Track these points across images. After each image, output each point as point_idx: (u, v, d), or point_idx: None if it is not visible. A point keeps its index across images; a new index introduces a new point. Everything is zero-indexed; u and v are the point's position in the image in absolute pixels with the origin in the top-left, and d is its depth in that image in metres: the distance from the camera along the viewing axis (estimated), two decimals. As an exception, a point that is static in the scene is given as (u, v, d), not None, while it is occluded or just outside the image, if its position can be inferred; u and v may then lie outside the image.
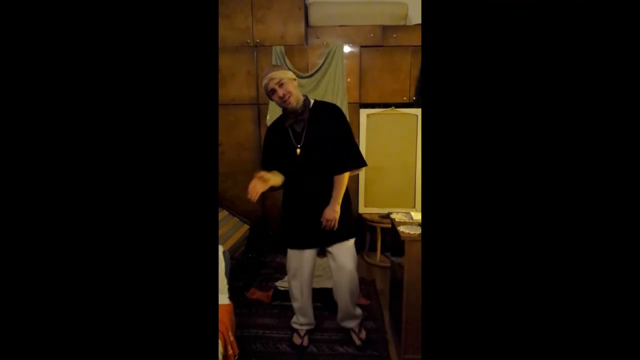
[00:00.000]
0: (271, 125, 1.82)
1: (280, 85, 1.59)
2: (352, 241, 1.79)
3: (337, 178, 1.68)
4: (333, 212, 1.66)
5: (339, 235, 1.73)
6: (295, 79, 1.66)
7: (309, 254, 1.79)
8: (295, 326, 1.96)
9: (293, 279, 1.85)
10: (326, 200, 1.68)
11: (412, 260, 1.67)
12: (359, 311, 1.92)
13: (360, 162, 1.73)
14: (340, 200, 1.68)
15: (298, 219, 1.75)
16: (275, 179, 1.65)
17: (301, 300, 1.88)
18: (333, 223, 1.66)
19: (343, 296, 1.82)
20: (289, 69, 2.76)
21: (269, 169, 1.70)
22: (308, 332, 1.96)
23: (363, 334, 1.93)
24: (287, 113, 1.69)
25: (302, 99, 1.67)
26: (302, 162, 1.68)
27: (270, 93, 1.63)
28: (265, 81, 1.61)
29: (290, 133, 1.70)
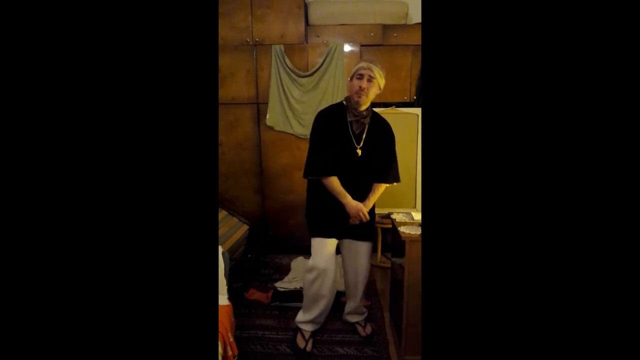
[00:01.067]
0: (323, 113, 1.79)
1: (370, 79, 1.63)
2: (370, 244, 1.89)
3: (377, 185, 1.78)
4: (364, 210, 1.73)
5: (363, 234, 1.83)
6: (380, 88, 1.70)
7: (331, 242, 1.82)
8: (301, 325, 1.88)
9: (311, 269, 1.80)
10: (364, 198, 1.77)
11: (412, 261, 1.67)
12: (362, 309, 2.02)
13: (398, 178, 1.84)
14: (372, 204, 1.80)
15: (334, 211, 1.76)
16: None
17: (316, 297, 1.83)
18: (363, 218, 1.74)
19: (353, 289, 1.92)
20: (289, 68, 2.78)
21: (334, 171, 1.72)
22: (313, 334, 1.90)
23: (369, 328, 1.99)
24: (349, 108, 1.72)
25: (369, 104, 1.73)
26: (359, 163, 1.74)
27: (357, 76, 1.64)
28: (363, 64, 1.64)
29: (351, 132, 1.73)
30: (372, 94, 1.66)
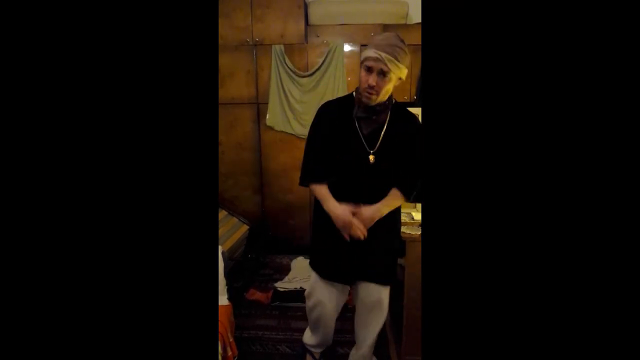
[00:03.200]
0: (326, 106, 1.39)
1: (384, 73, 1.22)
2: (384, 289, 1.42)
3: (395, 192, 1.32)
4: (371, 215, 1.24)
5: (379, 274, 1.39)
6: (402, 78, 1.27)
7: (334, 288, 1.44)
8: (310, 348, 1.64)
9: (319, 309, 1.49)
10: (379, 226, 1.31)
11: (413, 261, 1.67)
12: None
13: (420, 197, 1.35)
14: (385, 212, 1.31)
15: (340, 242, 1.32)
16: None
17: (324, 330, 1.55)
18: (362, 227, 1.28)
19: (362, 340, 1.55)
20: (289, 68, 2.78)
21: (326, 177, 1.33)
22: (322, 354, 1.67)
23: None
24: (357, 102, 1.32)
25: (388, 97, 1.30)
26: (372, 171, 1.30)
27: (365, 68, 1.25)
28: (371, 53, 1.23)
29: (361, 133, 1.32)
30: (386, 91, 1.25)
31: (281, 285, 2.52)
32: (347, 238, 1.28)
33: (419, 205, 2.82)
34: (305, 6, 2.85)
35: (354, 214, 1.26)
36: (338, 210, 1.28)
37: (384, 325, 1.66)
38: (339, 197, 1.32)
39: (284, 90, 2.84)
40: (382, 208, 1.28)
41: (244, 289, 2.49)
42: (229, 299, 1.66)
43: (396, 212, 1.41)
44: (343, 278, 1.41)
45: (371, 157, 1.29)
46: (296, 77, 2.81)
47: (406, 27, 2.85)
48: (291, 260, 2.93)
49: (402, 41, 1.24)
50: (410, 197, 1.32)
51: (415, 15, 2.98)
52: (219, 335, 1.44)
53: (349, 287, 1.48)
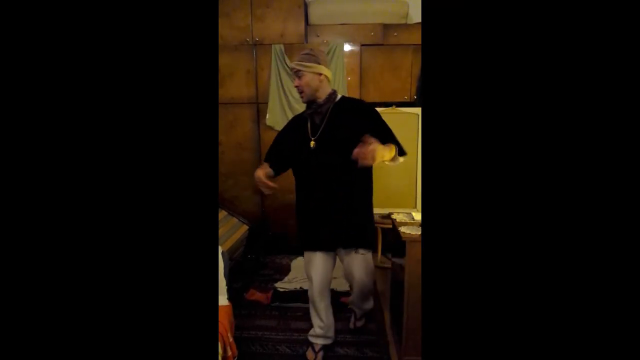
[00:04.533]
0: (295, 116, 1.82)
1: (300, 75, 1.56)
2: (366, 254, 1.66)
3: (387, 145, 1.50)
4: (375, 151, 1.36)
5: (351, 240, 1.62)
6: (323, 74, 1.57)
7: (320, 257, 1.68)
8: (312, 339, 1.82)
9: (310, 285, 1.74)
10: (339, 199, 1.58)
11: (413, 261, 1.66)
12: (368, 304, 1.90)
13: (401, 149, 1.59)
14: (386, 152, 1.46)
15: (310, 217, 1.65)
16: (265, 171, 1.65)
17: (317, 308, 1.75)
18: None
19: (354, 295, 1.83)
20: (289, 68, 2.78)
21: (271, 160, 1.72)
22: (323, 347, 1.83)
23: (359, 323, 2.01)
24: (308, 104, 1.63)
25: (325, 92, 1.59)
26: (315, 153, 1.58)
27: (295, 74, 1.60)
28: (292, 64, 1.61)
29: (309, 126, 1.65)
30: (310, 84, 1.56)
31: (281, 286, 2.52)
32: (266, 191, 1.65)
33: (419, 205, 2.83)
34: (305, 6, 2.85)
35: (366, 143, 1.39)
36: (257, 171, 1.64)
37: (384, 325, 1.83)
38: (297, 175, 1.69)
39: (283, 90, 2.84)
40: (380, 152, 1.41)
41: (244, 289, 2.49)
42: (229, 299, 1.66)
43: (367, 188, 1.66)
44: (324, 246, 1.66)
45: (312, 143, 1.59)
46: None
47: (406, 26, 2.85)
48: (291, 260, 2.93)
49: (312, 50, 1.58)
50: (387, 142, 1.51)
51: (415, 15, 2.98)
52: (219, 336, 1.44)
53: (333, 255, 1.71)
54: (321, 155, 1.58)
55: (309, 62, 1.55)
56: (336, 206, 1.58)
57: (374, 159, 1.36)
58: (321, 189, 1.60)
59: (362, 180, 1.61)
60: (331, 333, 1.81)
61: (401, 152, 1.60)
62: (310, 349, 1.84)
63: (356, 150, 1.37)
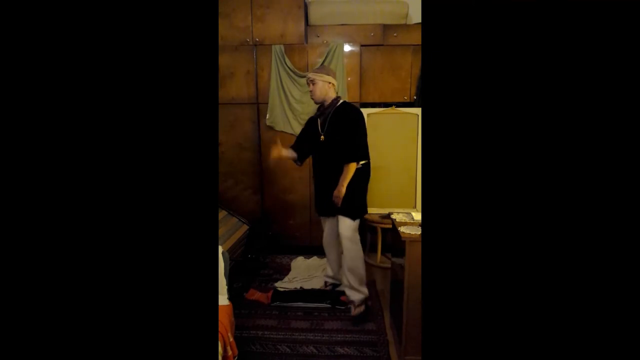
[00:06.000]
0: (310, 117, 2.35)
1: (312, 83, 2.13)
2: (351, 221, 2.13)
3: (345, 166, 2.06)
4: (337, 192, 2.07)
5: (340, 210, 2.13)
6: (330, 82, 2.12)
7: (325, 220, 2.32)
8: (326, 279, 2.51)
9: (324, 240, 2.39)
10: (334, 179, 2.09)
11: (412, 261, 1.66)
12: (363, 290, 2.17)
13: (363, 157, 2.11)
14: (344, 184, 2.05)
15: (318, 192, 2.26)
16: (289, 153, 2.25)
17: (328, 258, 2.45)
18: (338, 200, 2.07)
19: (344, 266, 2.20)
20: (289, 68, 2.79)
21: (295, 148, 2.28)
22: (332, 285, 2.46)
23: (357, 311, 2.13)
24: (318, 106, 2.21)
25: (331, 97, 2.14)
26: (323, 146, 2.16)
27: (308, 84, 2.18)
28: (307, 75, 2.17)
29: (319, 123, 2.20)
30: (319, 91, 2.13)
31: (281, 285, 2.52)
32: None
33: (419, 205, 2.83)
34: (305, 6, 2.85)
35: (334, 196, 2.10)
36: (273, 154, 2.23)
37: (384, 325, 1.85)
38: (314, 160, 2.27)
39: (283, 90, 2.84)
40: (343, 181, 2.07)
41: (244, 289, 2.49)
42: (229, 298, 1.66)
43: (358, 175, 2.14)
44: (326, 213, 2.27)
45: (322, 137, 2.17)
46: (296, 77, 2.81)
47: (406, 27, 2.85)
48: (291, 260, 2.93)
49: (324, 66, 2.35)
50: (349, 161, 2.06)
51: (415, 15, 2.98)
52: (219, 335, 1.44)
53: (335, 218, 2.22)
54: (326, 147, 2.15)
55: (321, 72, 2.13)
56: (332, 184, 2.09)
57: (340, 197, 2.06)
58: (325, 171, 2.18)
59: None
60: (338, 277, 2.44)
61: (351, 158, 2.08)
62: (324, 282, 2.51)
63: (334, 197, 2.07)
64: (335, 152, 2.09)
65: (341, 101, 2.16)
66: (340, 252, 2.33)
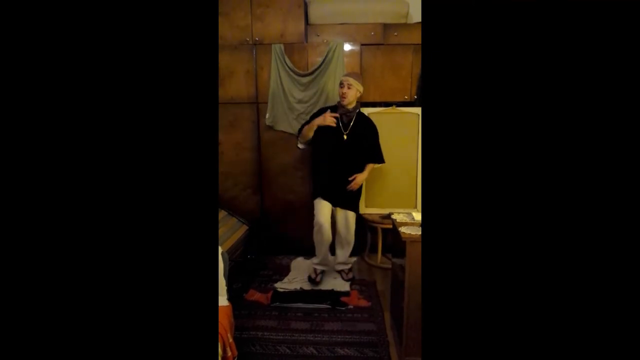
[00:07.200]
0: (324, 107, 2.54)
1: (349, 87, 2.32)
2: (354, 214, 2.55)
3: (368, 165, 2.47)
4: (355, 184, 2.42)
5: (350, 205, 2.52)
6: (360, 91, 2.37)
7: (327, 205, 2.49)
8: (314, 266, 2.60)
9: (316, 224, 2.50)
10: (350, 174, 2.41)
11: (413, 261, 1.66)
12: (350, 259, 2.67)
13: (382, 160, 2.51)
14: (363, 179, 2.46)
15: (330, 181, 2.46)
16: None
17: (320, 243, 2.54)
18: (356, 187, 2.43)
19: (345, 239, 2.58)
20: (289, 67, 2.78)
21: (305, 123, 2.50)
22: (322, 272, 2.62)
23: (350, 275, 2.64)
24: (339, 106, 2.40)
25: (355, 104, 2.39)
26: (346, 145, 2.39)
27: (340, 85, 2.36)
28: (342, 78, 2.36)
29: (341, 124, 2.39)
30: (352, 95, 2.34)
31: (281, 286, 2.51)
32: (324, 123, 2.37)
33: (419, 205, 2.82)
34: (305, 5, 2.85)
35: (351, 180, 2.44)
36: (317, 120, 2.40)
37: (384, 325, 1.85)
38: (326, 151, 2.46)
39: (283, 90, 2.83)
40: (364, 174, 2.48)
41: (244, 289, 2.48)
42: (229, 299, 1.66)
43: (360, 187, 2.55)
44: (329, 199, 2.48)
45: (345, 136, 2.40)
46: (296, 77, 2.80)
47: (406, 26, 2.85)
48: (291, 260, 2.93)
49: (358, 74, 2.55)
50: (377, 162, 2.49)
51: (416, 14, 2.97)
52: (219, 336, 1.43)
53: (331, 206, 2.49)
54: (348, 146, 2.40)
55: (357, 80, 2.34)
56: (346, 180, 2.41)
57: (358, 185, 2.45)
58: (343, 165, 2.42)
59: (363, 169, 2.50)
60: (327, 264, 2.62)
61: (380, 161, 2.50)
62: (313, 270, 2.60)
63: (351, 180, 2.42)
64: (357, 152, 2.41)
65: (359, 109, 2.45)
66: (330, 238, 2.57)
